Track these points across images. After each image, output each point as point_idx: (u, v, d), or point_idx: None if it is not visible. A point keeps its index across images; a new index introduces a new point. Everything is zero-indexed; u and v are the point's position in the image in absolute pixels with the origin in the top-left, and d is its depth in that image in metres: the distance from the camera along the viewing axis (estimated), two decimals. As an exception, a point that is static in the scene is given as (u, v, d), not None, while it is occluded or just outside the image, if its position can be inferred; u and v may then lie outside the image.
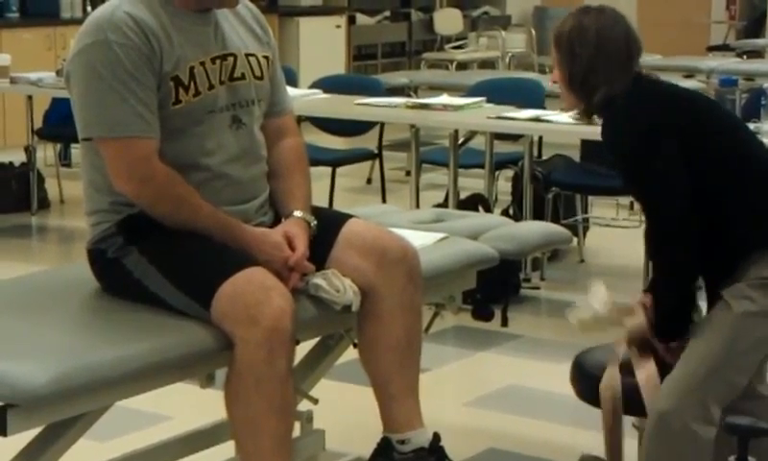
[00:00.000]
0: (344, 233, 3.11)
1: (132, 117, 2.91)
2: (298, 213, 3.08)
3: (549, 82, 3.27)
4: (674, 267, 3.05)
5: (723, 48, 12.54)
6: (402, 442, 3.06)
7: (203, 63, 3.02)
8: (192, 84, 2.99)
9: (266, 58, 3.18)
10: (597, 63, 3.15)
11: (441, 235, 3.52)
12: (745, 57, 10.75)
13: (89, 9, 9.48)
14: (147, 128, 2.92)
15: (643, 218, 6.40)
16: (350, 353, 3.39)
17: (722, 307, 3.03)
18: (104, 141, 2.96)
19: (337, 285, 2.99)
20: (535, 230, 4.04)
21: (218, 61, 3.05)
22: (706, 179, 3.04)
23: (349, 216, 3.26)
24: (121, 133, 2.91)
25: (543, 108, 6.48)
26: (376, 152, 7.57)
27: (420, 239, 3.38)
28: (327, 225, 3.12)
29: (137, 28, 2.93)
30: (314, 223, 3.09)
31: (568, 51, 3.19)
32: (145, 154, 2.92)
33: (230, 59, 3.08)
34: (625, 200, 7.16)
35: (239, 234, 2.96)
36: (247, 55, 3.13)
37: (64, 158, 8.83)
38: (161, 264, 2.92)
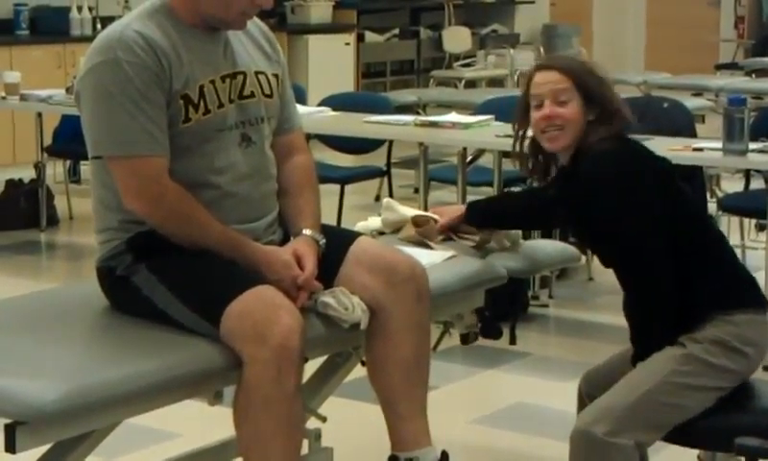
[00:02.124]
0: (352, 251, 3.11)
1: (143, 135, 2.92)
2: (307, 231, 3.09)
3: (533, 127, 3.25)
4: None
5: (732, 67, 12.56)
6: (410, 460, 3.06)
7: (212, 82, 3.03)
8: (202, 102, 3.00)
9: (275, 76, 3.19)
10: (610, 93, 3.22)
11: (449, 253, 3.52)
12: (754, 75, 10.76)
13: (99, 26, 9.50)
14: (157, 146, 2.93)
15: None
16: (359, 371, 3.39)
17: (675, 347, 3.03)
18: (114, 160, 2.96)
19: (345, 303, 3.00)
20: (544, 248, 4.03)
21: (228, 80, 3.06)
22: (676, 232, 3.08)
23: (358, 234, 3.27)
24: (131, 152, 2.92)
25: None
26: (385, 169, 7.57)
27: (428, 257, 3.38)
28: (336, 243, 3.12)
29: (147, 46, 2.94)
30: (323, 241, 3.09)
31: (587, 72, 3.21)
32: (155, 172, 2.93)
33: (240, 77, 3.09)
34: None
35: (249, 252, 2.97)
36: (256, 73, 3.14)
37: (74, 175, 8.86)
38: (170, 282, 2.93)
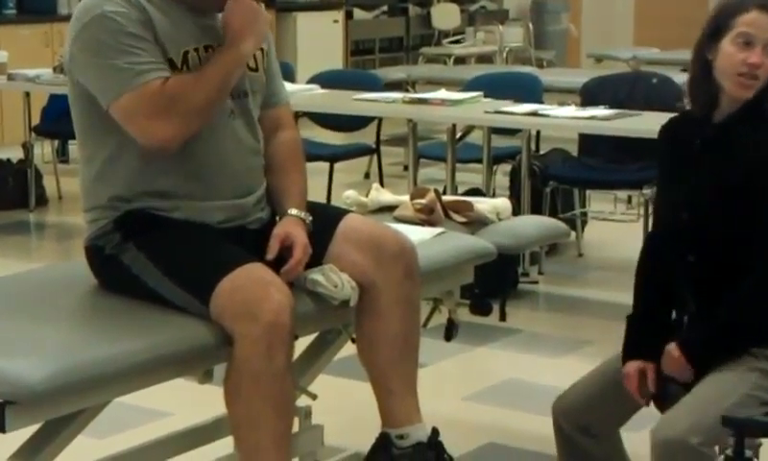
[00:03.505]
0: (341, 229, 3.10)
1: (148, 66, 2.89)
2: (293, 211, 3.08)
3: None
4: None
5: (720, 41, 12.51)
6: (401, 437, 3.06)
7: (196, 50, 3.01)
8: (185, 68, 2.98)
9: (261, 49, 3.17)
10: None
11: (438, 230, 3.52)
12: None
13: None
14: (164, 71, 2.92)
15: (641, 212, 6.41)
16: (349, 349, 3.39)
17: (754, 359, 2.89)
18: (129, 94, 2.90)
19: (335, 280, 3.00)
20: (532, 224, 4.04)
21: (211, 51, 3.04)
22: None
23: (347, 211, 3.26)
24: (145, 79, 2.89)
25: (541, 102, 6.49)
26: (374, 147, 7.58)
27: (417, 234, 3.38)
28: (325, 220, 3.12)
29: (130, 4, 2.94)
30: (309, 219, 3.08)
31: None
32: (156, 86, 2.90)
33: None
34: (623, 194, 7.18)
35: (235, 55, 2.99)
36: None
37: (62, 155, 8.85)
38: (159, 260, 2.92)
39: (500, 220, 3.71)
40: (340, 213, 3.21)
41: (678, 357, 2.95)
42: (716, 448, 2.78)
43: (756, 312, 2.90)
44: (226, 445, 3.13)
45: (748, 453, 2.68)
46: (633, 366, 3.03)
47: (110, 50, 2.91)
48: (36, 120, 7.97)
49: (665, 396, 3.01)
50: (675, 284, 3.08)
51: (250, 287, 2.80)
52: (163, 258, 2.93)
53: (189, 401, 3.62)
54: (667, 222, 3.11)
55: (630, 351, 3.07)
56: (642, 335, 3.08)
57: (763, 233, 2.89)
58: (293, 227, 3.04)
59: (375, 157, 7.73)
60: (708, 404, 2.79)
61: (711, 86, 2.97)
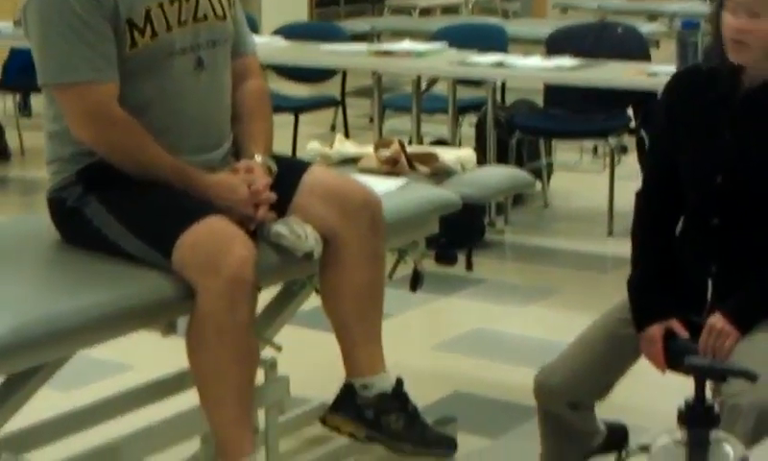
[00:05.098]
0: (305, 181, 3.08)
1: (84, 63, 2.87)
2: (258, 157, 3.06)
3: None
4: None
5: (687, -9, 12.51)
6: (365, 387, 3.06)
7: (160, 5, 2.97)
8: (148, 26, 2.94)
9: (227, -2, 3.14)
10: None
11: (403, 181, 3.51)
12: (708, 0, 10.75)
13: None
14: (99, 73, 2.88)
15: (607, 162, 6.41)
16: (314, 301, 3.38)
17: None
18: (59, 87, 2.92)
19: (298, 232, 2.98)
20: (497, 174, 4.03)
21: (176, 2, 3.00)
22: None
23: (311, 163, 3.24)
24: (74, 79, 2.88)
25: (506, 52, 6.47)
26: (339, 99, 7.54)
27: (382, 185, 3.37)
28: (289, 172, 3.10)
29: None
30: (274, 168, 3.06)
31: None
32: (100, 99, 2.89)
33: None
34: (589, 143, 7.18)
35: (197, 182, 2.94)
36: (208, -6, 3.07)
37: (24, 109, 8.75)
38: (121, 213, 2.90)
39: (465, 170, 3.70)
40: (304, 165, 3.19)
41: (721, 327, 2.85)
42: None
43: None
44: (190, 397, 3.11)
45: None
46: (655, 330, 2.93)
47: (54, 30, 2.88)
48: (-3, 74, 7.88)
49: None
50: (682, 243, 3.02)
51: (212, 240, 2.78)
52: (125, 211, 2.90)
53: (153, 355, 3.60)
54: (694, 183, 3.00)
55: (646, 316, 2.96)
56: (655, 297, 2.98)
57: None
58: (256, 171, 3.01)
59: (341, 109, 7.69)
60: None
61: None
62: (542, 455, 3.20)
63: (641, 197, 3.10)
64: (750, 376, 1.36)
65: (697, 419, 1.29)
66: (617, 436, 3.31)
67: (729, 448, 1.29)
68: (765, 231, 2.89)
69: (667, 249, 3.03)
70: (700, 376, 1.31)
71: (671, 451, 1.29)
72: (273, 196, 2.98)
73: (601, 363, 3.04)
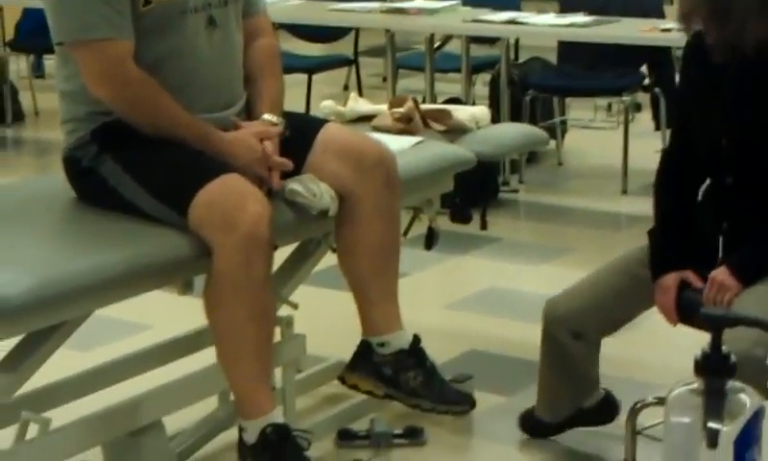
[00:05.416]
0: (320, 138, 3.09)
1: (100, 19, 2.87)
2: (266, 116, 3.06)
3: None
4: None
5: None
6: (382, 344, 3.08)
7: None
8: None
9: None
10: None
11: (417, 139, 3.51)
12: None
13: None
14: (116, 30, 2.88)
15: (621, 119, 6.39)
16: (329, 260, 3.39)
17: None
18: (75, 45, 2.92)
19: (313, 190, 2.98)
20: (511, 131, 4.04)
21: None
22: None
23: (326, 121, 3.25)
24: (90, 36, 2.88)
25: (520, 10, 6.45)
26: (352, 58, 7.52)
27: (396, 143, 3.37)
28: (304, 129, 3.10)
29: None
30: (282, 124, 3.06)
31: None
32: (116, 56, 2.89)
33: None
34: (603, 101, 7.16)
35: (215, 141, 2.94)
36: (218, -48, 3.07)
37: (38, 70, 8.76)
38: (137, 172, 2.91)
39: (479, 128, 3.69)
40: (319, 123, 3.19)
41: (722, 280, 2.89)
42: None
43: None
44: (207, 355, 3.13)
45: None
46: (671, 279, 2.97)
47: None
48: (9, 35, 7.88)
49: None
50: (703, 201, 3.05)
51: (227, 198, 2.78)
52: (140, 170, 2.91)
53: (170, 314, 3.62)
54: (704, 144, 3.03)
55: (662, 265, 3.00)
56: (673, 247, 3.01)
57: None
58: (261, 128, 3.01)
59: (354, 68, 7.68)
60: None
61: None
62: (539, 390, 3.25)
63: (666, 154, 3.14)
64: (765, 326, 1.37)
65: (713, 368, 1.30)
66: (609, 408, 3.35)
67: (745, 398, 1.30)
68: None
69: (688, 206, 3.07)
70: (715, 325, 1.32)
71: (688, 400, 1.30)
72: (288, 163, 2.98)
73: (612, 296, 3.10)
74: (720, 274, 2.90)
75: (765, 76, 2.90)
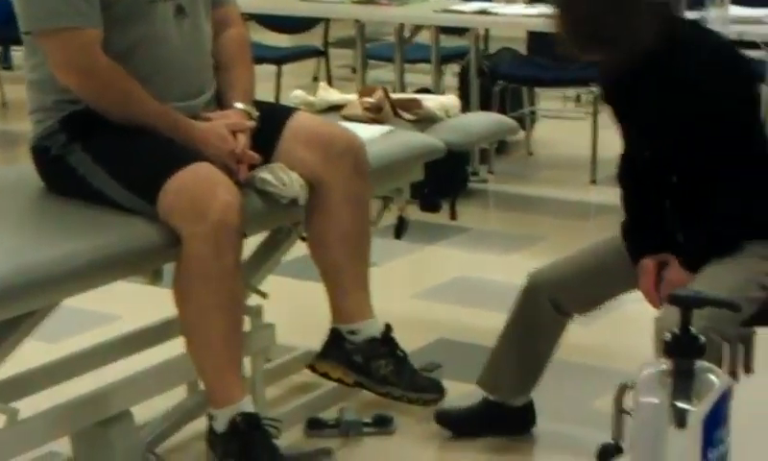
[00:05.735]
0: (289, 126, 3.08)
1: (68, 8, 2.85)
2: (238, 105, 3.05)
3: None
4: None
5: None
6: (353, 332, 3.08)
7: None
8: None
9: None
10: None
11: (387, 128, 3.51)
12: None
13: None
14: (84, 18, 2.87)
15: (590, 110, 6.41)
16: (298, 250, 3.39)
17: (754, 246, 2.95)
18: (43, 34, 2.90)
19: (283, 178, 2.98)
20: (481, 120, 4.04)
21: None
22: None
23: (295, 109, 3.24)
24: (57, 24, 2.86)
25: (490, 0, 6.45)
26: (322, 49, 7.51)
27: (366, 132, 3.37)
28: (273, 118, 3.10)
29: None
30: (255, 114, 3.06)
31: None
32: (84, 44, 2.87)
33: None
34: (571, 92, 7.18)
35: (185, 129, 2.93)
36: (186, -58, 3.06)
37: (5, 61, 8.70)
38: (106, 161, 2.89)
39: (449, 117, 3.70)
40: (288, 111, 3.18)
41: (673, 279, 2.95)
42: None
43: (740, 207, 2.94)
44: (176, 345, 3.13)
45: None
46: (649, 261, 3.02)
47: None
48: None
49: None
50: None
51: (197, 186, 2.78)
52: (109, 160, 2.90)
53: (140, 305, 3.61)
54: (625, 154, 3.14)
55: (640, 250, 3.06)
56: (648, 234, 3.07)
57: (724, 147, 2.90)
58: (234, 118, 3.01)
59: (323, 59, 7.66)
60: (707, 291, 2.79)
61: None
62: (491, 359, 3.33)
63: (621, 158, 3.18)
64: (734, 307, 1.38)
65: (682, 349, 1.31)
66: (531, 415, 3.41)
67: (714, 378, 1.31)
68: (714, 186, 2.93)
69: (653, 203, 3.10)
70: (685, 307, 1.32)
71: (657, 381, 1.31)
72: (257, 157, 2.97)
73: (598, 271, 3.15)
74: (672, 272, 2.96)
75: (662, 87, 2.93)
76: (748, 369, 2.99)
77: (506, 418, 3.39)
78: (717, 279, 2.86)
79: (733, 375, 2.86)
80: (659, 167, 3.05)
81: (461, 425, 3.47)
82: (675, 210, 3.06)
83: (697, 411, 1.30)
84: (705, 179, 2.95)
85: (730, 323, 2.75)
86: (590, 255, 3.21)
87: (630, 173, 3.15)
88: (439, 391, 3.16)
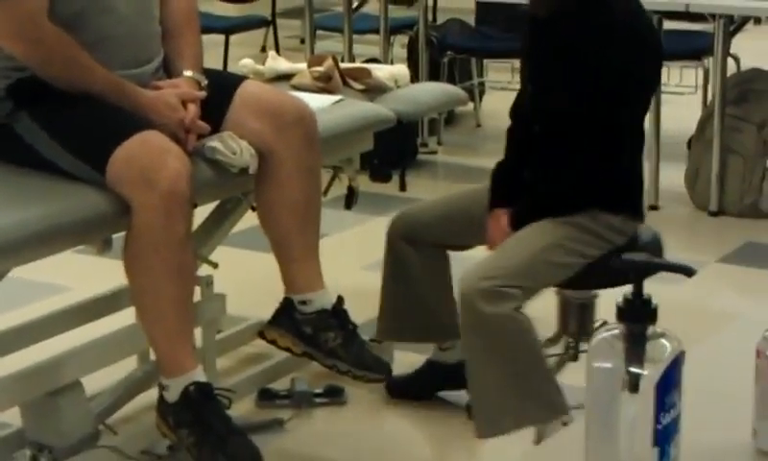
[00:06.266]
0: (239, 95, 3.07)
1: None
2: (188, 73, 3.03)
3: None
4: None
5: None
6: (304, 303, 3.07)
7: None
8: None
9: None
10: None
11: (337, 97, 3.50)
12: None
13: None
14: None
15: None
16: (248, 221, 3.38)
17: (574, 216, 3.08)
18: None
19: (233, 148, 2.97)
20: (431, 90, 4.04)
21: None
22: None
23: (245, 78, 3.23)
24: None
25: (438, -30, 6.46)
26: (269, 19, 7.48)
27: (316, 101, 3.36)
28: (222, 87, 3.08)
29: None
30: (205, 82, 3.04)
31: None
32: (30, 11, 2.84)
33: None
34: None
35: (133, 96, 2.91)
36: None
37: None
38: (53, 129, 2.86)
39: (398, 87, 3.70)
40: (237, 80, 3.17)
41: (497, 226, 3.16)
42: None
43: (581, 176, 3.09)
44: (127, 316, 3.11)
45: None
46: (501, 211, 3.18)
47: None
48: None
49: None
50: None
51: (146, 155, 2.76)
52: (57, 128, 2.87)
53: (89, 275, 3.59)
54: (521, 91, 3.31)
55: (498, 199, 3.23)
56: (508, 186, 3.23)
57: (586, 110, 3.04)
58: (184, 87, 2.99)
59: (271, 29, 7.63)
60: (509, 250, 3.04)
61: None
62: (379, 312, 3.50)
63: (512, 104, 3.35)
64: (687, 272, 1.39)
65: (634, 314, 1.32)
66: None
67: (666, 343, 1.32)
68: (570, 142, 3.08)
69: (523, 146, 3.25)
70: (637, 272, 1.33)
71: (610, 346, 1.32)
72: (206, 127, 2.96)
73: (455, 215, 3.34)
74: (501, 216, 3.15)
75: (556, 31, 3.09)
76: (586, 330, 3.17)
77: (445, 375, 3.45)
78: (525, 240, 3.04)
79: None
80: (529, 112, 3.19)
81: (410, 391, 3.49)
82: (534, 163, 3.19)
83: (650, 375, 1.31)
84: (562, 137, 3.08)
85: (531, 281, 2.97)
86: (457, 198, 3.43)
87: (518, 111, 3.29)
88: (385, 371, 3.14)
